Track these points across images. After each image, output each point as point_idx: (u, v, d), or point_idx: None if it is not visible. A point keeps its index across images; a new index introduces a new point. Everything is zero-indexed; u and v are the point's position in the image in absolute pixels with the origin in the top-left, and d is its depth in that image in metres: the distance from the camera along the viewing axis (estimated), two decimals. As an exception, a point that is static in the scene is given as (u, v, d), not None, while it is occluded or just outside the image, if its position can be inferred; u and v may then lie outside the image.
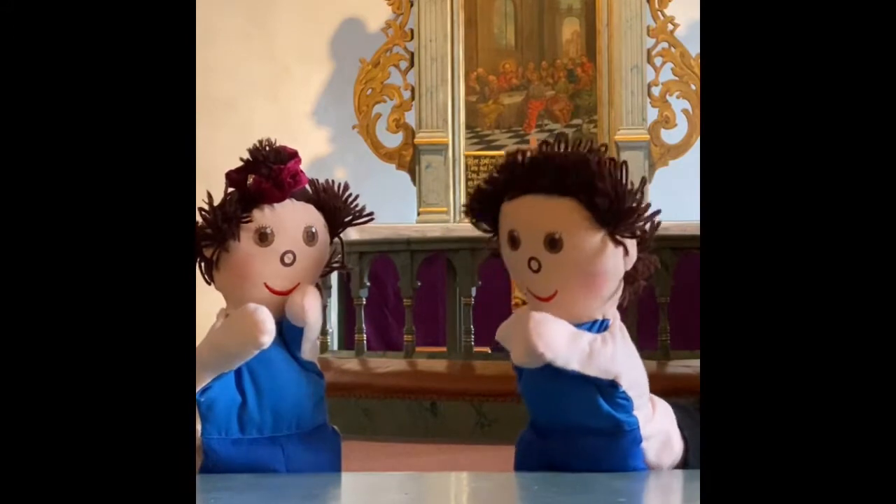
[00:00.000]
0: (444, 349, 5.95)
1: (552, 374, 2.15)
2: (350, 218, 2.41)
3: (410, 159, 7.24)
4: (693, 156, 6.88)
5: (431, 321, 6.40)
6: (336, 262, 2.42)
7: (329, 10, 7.90)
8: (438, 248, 5.86)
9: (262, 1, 7.94)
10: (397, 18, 7.23)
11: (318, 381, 2.35)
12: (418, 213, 7.12)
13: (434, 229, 6.61)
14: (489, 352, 5.94)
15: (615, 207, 2.14)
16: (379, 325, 6.89)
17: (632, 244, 2.18)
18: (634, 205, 2.16)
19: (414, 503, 2.18)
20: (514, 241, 2.21)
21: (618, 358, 2.17)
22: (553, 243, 2.15)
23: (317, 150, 7.68)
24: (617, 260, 2.17)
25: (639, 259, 2.20)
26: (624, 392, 2.17)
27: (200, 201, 2.23)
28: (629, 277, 2.21)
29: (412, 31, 7.19)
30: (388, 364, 5.73)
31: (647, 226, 2.20)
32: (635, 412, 2.19)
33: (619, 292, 2.22)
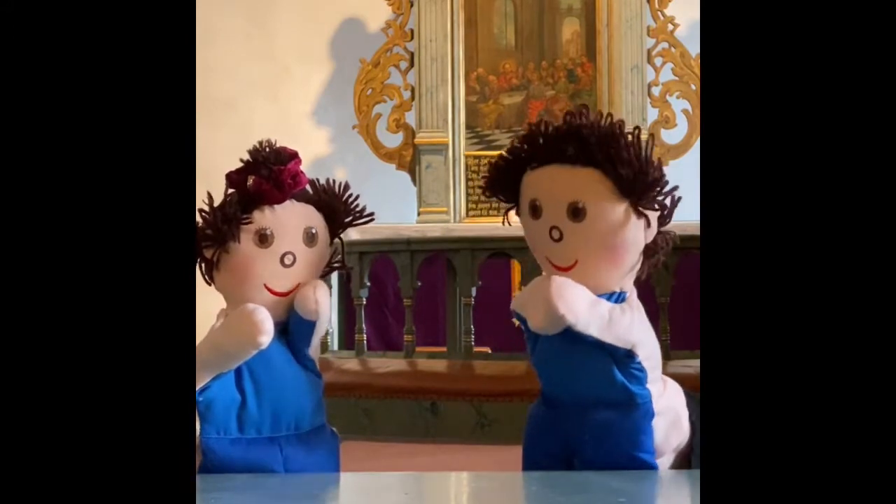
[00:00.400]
0: (444, 349, 5.95)
1: (569, 343, 2.16)
2: (350, 218, 2.41)
3: (410, 159, 7.24)
4: (693, 156, 6.87)
5: (431, 321, 6.40)
6: (336, 262, 2.42)
7: (329, 10, 7.89)
8: (438, 248, 5.86)
9: (262, 1, 7.93)
10: (397, 18, 7.23)
11: (318, 382, 2.35)
12: (418, 213, 7.11)
13: (434, 229, 6.60)
14: (489, 352, 5.94)
15: (639, 179, 2.16)
16: (379, 325, 6.89)
17: (653, 216, 2.20)
18: (657, 177, 2.17)
19: (414, 503, 2.18)
20: (536, 210, 2.22)
21: (635, 328, 2.18)
22: (576, 212, 2.17)
23: (317, 150, 7.67)
24: (638, 232, 2.19)
25: (659, 233, 2.22)
26: (639, 363, 2.18)
27: (201, 202, 2.23)
28: (648, 251, 2.23)
29: (412, 31, 7.19)
30: (388, 364, 5.73)
31: (668, 200, 2.21)
32: (649, 385, 2.20)
33: (638, 265, 2.23)
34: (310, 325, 2.30)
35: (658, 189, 2.18)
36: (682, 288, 5.40)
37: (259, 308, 2.22)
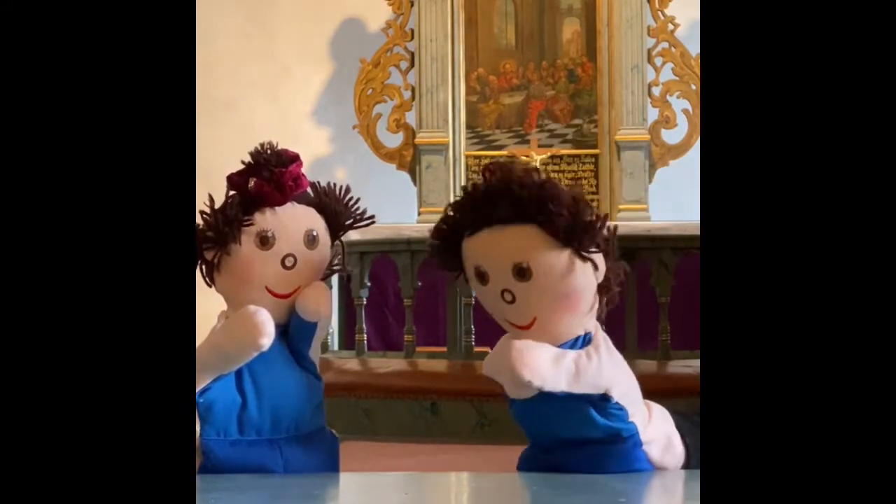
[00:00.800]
0: (444, 349, 5.95)
1: (543, 397, 2.15)
2: (351, 221, 2.41)
3: (411, 159, 7.24)
4: (693, 156, 6.87)
5: (432, 321, 6.39)
6: (337, 264, 2.42)
7: (329, 10, 7.89)
8: (439, 248, 5.85)
9: (262, 1, 7.93)
10: (397, 18, 7.23)
11: (318, 384, 2.35)
12: (419, 213, 7.11)
13: (434, 229, 6.59)
14: (489, 352, 5.94)
15: (577, 225, 2.13)
16: (379, 325, 6.89)
17: (599, 257, 2.18)
18: (593, 217, 2.15)
19: (414, 503, 2.18)
20: (483, 276, 2.21)
21: (604, 371, 2.16)
22: (521, 272, 2.15)
23: (317, 150, 7.67)
24: (587, 275, 2.17)
25: (608, 269, 2.20)
26: (617, 403, 2.17)
27: (201, 203, 2.23)
28: (602, 289, 2.20)
29: (412, 31, 7.19)
30: (388, 364, 5.73)
31: (606, 234, 2.19)
32: (631, 419, 2.19)
33: (596, 305, 2.21)
34: (311, 327, 2.30)
35: (597, 228, 2.16)
36: (682, 288, 5.41)
37: (260, 310, 2.22)
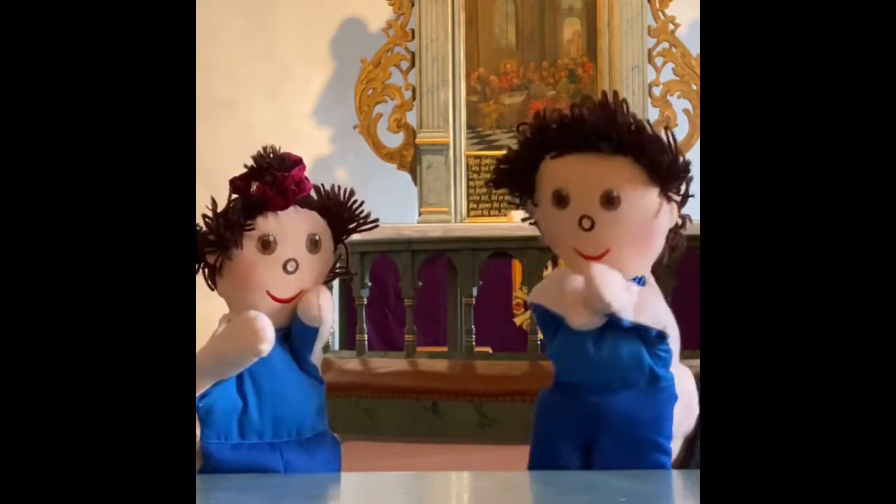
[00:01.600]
0: (445, 349, 5.96)
1: (598, 330, 2.15)
2: (355, 225, 2.40)
3: (411, 159, 7.24)
4: (694, 155, 6.87)
5: (432, 321, 6.40)
6: (340, 268, 2.42)
7: (330, 10, 7.89)
8: (439, 248, 5.86)
9: (262, 1, 7.93)
10: (398, 18, 7.23)
11: (319, 388, 2.35)
12: (419, 213, 7.11)
13: (435, 229, 6.60)
14: (490, 352, 5.94)
15: (672, 166, 2.16)
16: (380, 325, 6.90)
17: (676, 204, 2.21)
18: (687, 163, 2.18)
19: (415, 503, 2.18)
20: (562, 200, 2.20)
21: (662, 310, 2.19)
22: (610, 200, 2.16)
23: (318, 150, 7.68)
24: (667, 218, 2.20)
25: (680, 217, 2.23)
26: (668, 345, 2.18)
27: (203, 207, 2.23)
28: (672, 234, 2.23)
29: (413, 31, 7.19)
30: (389, 364, 5.73)
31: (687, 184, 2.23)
32: (671, 368, 2.20)
33: (660, 250, 2.24)
34: (312, 332, 2.30)
35: (686, 175, 2.19)
36: (683, 288, 5.41)
37: (260, 315, 2.22)
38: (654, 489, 2.14)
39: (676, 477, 2.20)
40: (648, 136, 2.17)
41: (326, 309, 2.30)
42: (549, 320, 2.22)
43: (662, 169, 2.16)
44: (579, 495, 2.06)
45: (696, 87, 7.06)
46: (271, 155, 2.31)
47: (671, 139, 2.18)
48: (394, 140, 7.28)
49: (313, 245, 2.32)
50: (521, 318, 6.76)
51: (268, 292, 2.28)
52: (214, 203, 2.28)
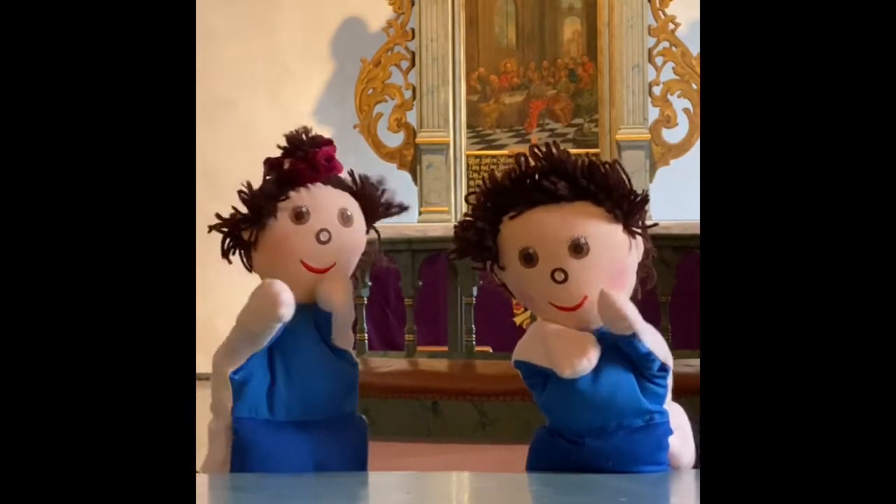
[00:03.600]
0: (445, 349, 5.95)
1: (592, 377, 2.14)
2: (385, 206, 2.46)
3: (412, 159, 7.24)
4: (694, 155, 6.87)
5: (433, 321, 6.40)
6: (378, 259, 2.48)
7: (330, 10, 7.90)
8: (440, 247, 5.85)
9: (262, 1, 7.93)
10: (398, 18, 7.23)
11: (351, 371, 2.39)
12: (419, 213, 7.12)
13: (435, 229, 6.60)
14: (490, 351, 5.94)
15: (630, 201, 2.15)
16: (380, 325, 6.90)
17: (641, 236, 2.20)
18: (643, 195, 2.18)
19: (416, 503, 2.18)
20: (531, 258, 2.17)
21: (663, 343, 2.19)
22: (579, 248, 2.14)
23: (318, 149, 7.67)
24: (635, 252, 2.19)
25: (645, 248, 2.22)
26: (666, 380, 2.18)
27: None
28: (641, 267, 2.23)
29: (413, 30, 7.19)
30: (389, 363, 5.73)
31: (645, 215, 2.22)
32: (665, 405, 2.19)
33: (633, 286, 2.23)
34: (327, 316, 2.34)
35: (644, 206, 2.18)
36: (683, 287, 5.41)
37: (276, 281, 2.26)
38: (654, 489, 2.14)
39: (676, 477, 2.20)
40: (602, 176, 2.16)
41: (335, 293, 2.32)
42: (536, 375, 2.21)
43: (623, 206, 2.15)
44: (579, 495, 2.06)
45: (696, 86, 7.06)
46: (303, 135, 2.41)
47: (622, 173, 2.18)
48: (394, 139, 7.28)
49: (345, 219, 2.38)
50: (522, 318, 6.76)
51: (302, 262, 2.32)
52: (249, 185, 2.35)
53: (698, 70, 6.98)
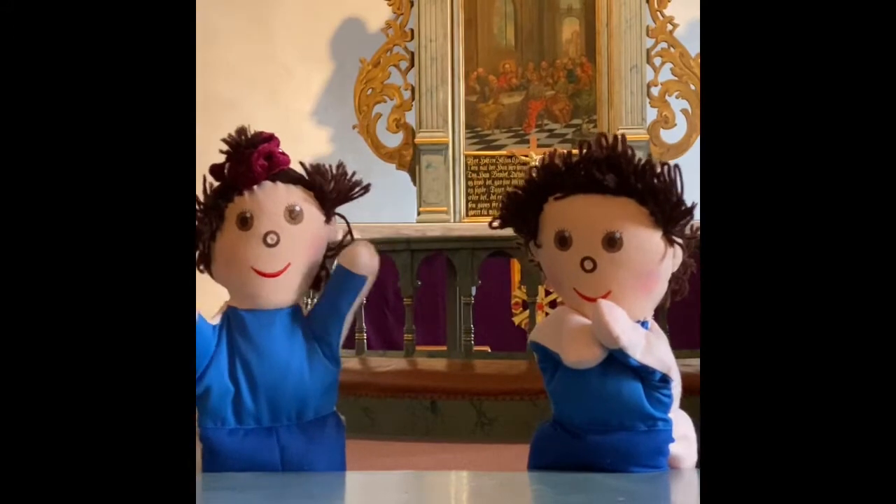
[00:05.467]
0: (444, 348, 5.96)
1: (600, 371, 2.15)
2: (338, 194, 2.39)
3: (411, 159, 7.25)
4: (692, 155, 6.88)
5: (431, 320, 6.41)
6: (346, 242, 2.42)
7: (329, 10, 7.90)
8: (438, 247, 5.87)
9: (262, 1, 7.94)
10: (397, 18, 7.24)
11: (330, 369, 2.32)
12: (418, 213, 7.12)
13: (434, 229, 6.61)
14: (489, 351, 5.94)
15: (676, 209, 2.15)
16: (379, 325, 6.90)
17: (680, 247, 2.19)
18: (691, 207, 2.17)
19: (414, 502, 2.18)
20: (565, 241, 2.19)
21: (668, 354, 2.18)
22: (612, 242, 2.14)
23: (317, 149, 7.68)
24: (670, 261, 2.18)
25: (683, 261, 2.21)
26: (670, 389, 2.18)
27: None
28: (675, 278, 2.22)
29: (412, 31, 7.20)
30: (388, 363, 5.74)
31: (693, 226, 2.21)
32: (670, 414, 2.19)
33: (663, 294, 2.22)
34: (359, 282, 2.33)
35: (690, 218, 2.18)
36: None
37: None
38: (653, 489, 2.15)
39: (675, 477, 2.21)
40: (653, 177, 2.16)
41: (376, 257, 2.35)
42: (549, 359, 2.22)
43: (666, 211, 2.15)
44: (578, 495, 2.06)
45: (694, 87, 7.07)
46: (241, 136, 2.33)
47: (677, 180, 2.17)
48: (393, 140, 7.29)
49: (293, 216, 2.31)
50: (520, 318, 6.76)
51: (253, 268, 2.28)
52: (198, 196, 2.30)
53: (696, 71, 7.00)
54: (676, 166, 2.19)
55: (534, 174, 2.24)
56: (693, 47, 6.87)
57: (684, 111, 7.16)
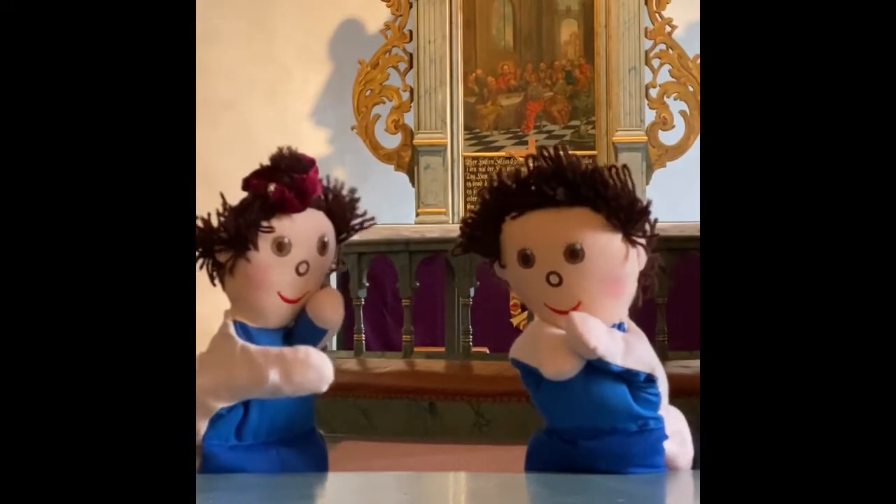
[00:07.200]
0: (442, 349, 5.95)
1: (582, 379, 2.15)
2: (356, 224, 2.41)
3: (409, 160, 7.24)
4: (691, 157, 6.88)
5: (430, 321, 6.40)
6: (335, 264, 2.43)
7: (328, 12, 7.90)
8: (437, 248, 5.85)
9: (261, 2, 7.93)
10: (396, 20, 7.23)
11: None
12: (417, 214, 7.12)
13: (433, 230, 6.60)
14: (487, 352, 5.94)
15: (631, 209, 2.15)
16: (377, 326, 6.89)
17: (643, 246, 2.20)
18: (646, 205, 2.17)
19: (413, 503, 2.18)
20: (528, 259, 2.19)
21: (648, 352, 2.18)
22: (574, 254, 2.15)
23: (316, 150, 7.67)
24: (634, 262, 2.19)
25: (648, 258, 2.22)
26: (656, 388, 2.18)
27: (204, 206, 2.22)
28: (642, 276, 2.22)
29: (411, 32, 7.19)
30: (386, 364, 5.72)
31: (651, 222, 2.21)
32: (661, 411, 2.20)
33: (632, 294, 2.23)
34: (321, 333, 2.32)
35: (647, 216, 2.18)
36: (680, 289, 5.41)
37: (314, 352, 2.24)
38: (653, 490, 2.15)
39: (675, 477, 2.21)
40: (602, 183, 2.16)
41: (339, 312, 2.31)
42: (530, 374, 2.23)
43: (621, 215, 2.15)
44: (576, 496, 2.06)
45: (692, 88, 7.07)
46: (288, 156, 2.30)
47: (627, 181, 2.17)
48: (391, 141, 7.28)
49: (323, 247, 2.32)
50: (519, 319, 6.76)
51: (279, 293, 2.28)
52: (225, 200, 2.27)
53: (695, 73, 7.00)
54: (624, 166, 2.21)
55: (486, 196, 2.24)
56: (692, 49, 6.87)
57: (683, 113, 7.15)
